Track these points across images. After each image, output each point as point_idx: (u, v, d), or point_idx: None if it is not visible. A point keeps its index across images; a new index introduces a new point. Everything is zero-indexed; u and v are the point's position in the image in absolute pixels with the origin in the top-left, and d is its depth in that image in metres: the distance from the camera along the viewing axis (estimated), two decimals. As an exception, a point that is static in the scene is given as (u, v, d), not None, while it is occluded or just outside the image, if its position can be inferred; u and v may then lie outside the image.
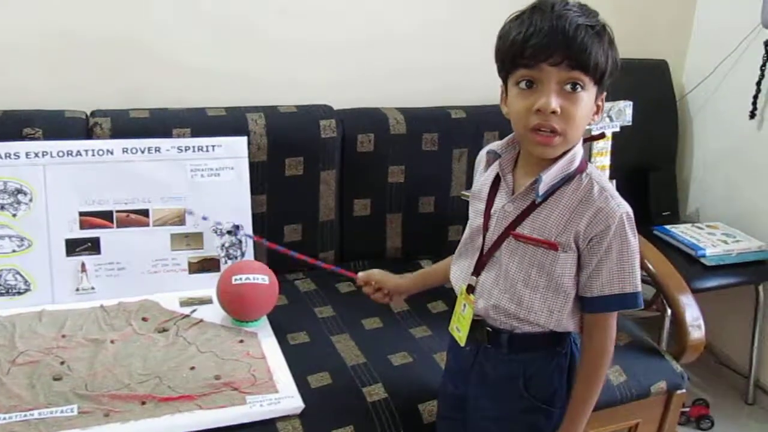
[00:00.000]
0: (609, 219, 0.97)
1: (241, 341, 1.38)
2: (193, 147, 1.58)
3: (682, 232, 2.04)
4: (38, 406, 1.15)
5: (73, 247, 1.51)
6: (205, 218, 1.57)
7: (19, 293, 1.47)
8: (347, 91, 1.87)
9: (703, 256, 1.93)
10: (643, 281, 1.02)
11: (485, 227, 1.05)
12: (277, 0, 1.79)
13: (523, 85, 0.94)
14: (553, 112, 0.92)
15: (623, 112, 1.61)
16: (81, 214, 1.51)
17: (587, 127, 1.02)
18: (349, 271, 1.41)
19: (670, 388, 1.46)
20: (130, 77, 1.72)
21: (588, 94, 0.94)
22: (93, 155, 1.52)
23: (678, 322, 1.51)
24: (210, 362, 1.30)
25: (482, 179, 1.09)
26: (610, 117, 1.60)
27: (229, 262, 1.59)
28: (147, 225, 1.55)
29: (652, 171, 2.22)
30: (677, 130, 2.29)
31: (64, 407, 1.15)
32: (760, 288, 2.01)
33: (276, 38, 1.82)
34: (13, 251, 1.47)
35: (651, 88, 2.19)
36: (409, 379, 1.33)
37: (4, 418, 1.12)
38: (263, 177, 1.67)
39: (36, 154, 1.48)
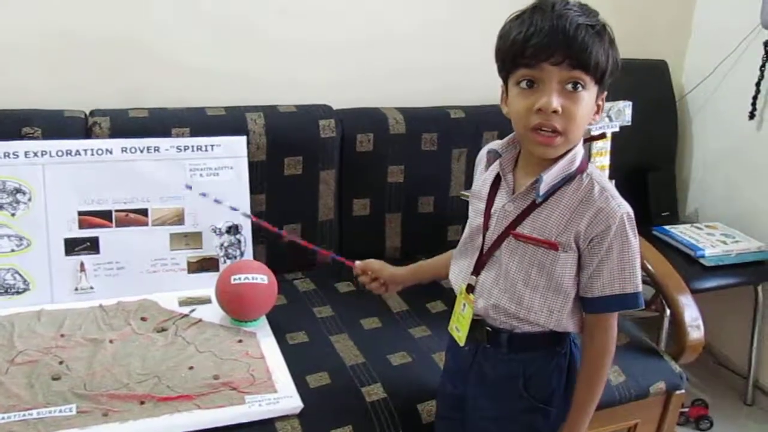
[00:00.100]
0: (610, 219, 0.97)
1: (240, 341, 1.38)
2: (193, 146, 1.57)
3: (681, 232, 2.04)
4: (37, 405, 1.15)
5: (72, 246, 1.51)
6: (203, 194, 1.56)
7: (18, 293, 1.47)
8: (347, 91, 1.87)
9: (703, 256, 1.93)
10: (643, 281, 1.02)
11: (485, 227, 1.05)
12: (277, 0, 1.79)
13: (523, 84, 0.94)
14: (555, 112, 0.92)
15: (623, 112, 1.61)
16: (80, 213, 1.51)
17: (587, 127, 1.02)
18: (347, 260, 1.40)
19: (669, 389, 1.46)
20: (130, 77, 1.72)
21: (589, 94, 0.94)
22: (92, 155, 1.51)
23: (677, 322, 1.51)
24: (209, 362, 1.29)
25: (482, 179, 1.09)
26: (609, 117, 1.60)
27: (228, 261, 1.59)
28: (146, 224, 1.55)
29: (651, 171, 2.22)
30: (677, 130, 2.29)
31: (63, 407, 1.15)
32: (759, 288, 2.02)
33: (276, 38, 1.82)
34: (12, 251, 1.47)
35: (651, 89, 2.20)
36: (408, 379, 1.33)
37: (3, 418, 1.12)
38: (262, 176, 1.67)
39: (35, 154, 1.48)
